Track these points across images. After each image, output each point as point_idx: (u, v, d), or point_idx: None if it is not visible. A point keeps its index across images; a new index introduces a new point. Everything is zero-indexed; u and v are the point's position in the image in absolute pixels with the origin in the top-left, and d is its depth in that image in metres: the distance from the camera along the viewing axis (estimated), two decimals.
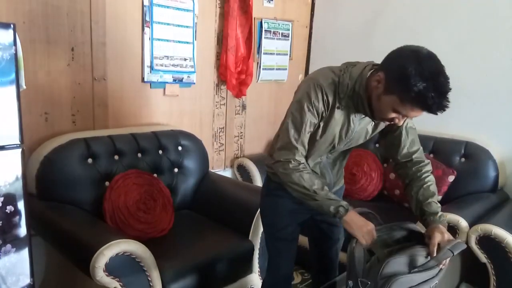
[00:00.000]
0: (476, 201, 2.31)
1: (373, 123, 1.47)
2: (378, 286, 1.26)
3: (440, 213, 1.41)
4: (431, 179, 1.48)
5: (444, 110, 1.19)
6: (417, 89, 1.15)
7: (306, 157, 1.48)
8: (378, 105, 1.29)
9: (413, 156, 1.49)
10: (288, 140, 1.39)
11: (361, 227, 1.32)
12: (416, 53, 1.19)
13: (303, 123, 1.37)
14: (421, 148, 1.51)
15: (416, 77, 1.15)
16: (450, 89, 1.18)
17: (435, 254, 1.29)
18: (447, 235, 1.33)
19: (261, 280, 2.15)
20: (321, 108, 1.36)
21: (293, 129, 1.38)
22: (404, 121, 1.39)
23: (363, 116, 1.41)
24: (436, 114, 1.20)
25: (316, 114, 1.37)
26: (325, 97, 1.35)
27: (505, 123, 2.52)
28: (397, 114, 1.27)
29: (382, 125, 1.49)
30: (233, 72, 2.78)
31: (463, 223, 2.01)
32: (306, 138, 1.39)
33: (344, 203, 1.36)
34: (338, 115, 1.39)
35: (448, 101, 1.18)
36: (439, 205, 1.44)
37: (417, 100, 1.18)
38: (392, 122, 1.33)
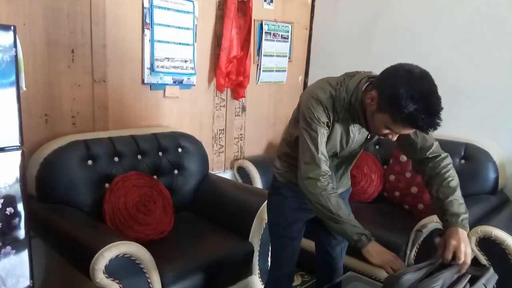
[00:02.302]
0: (476, 203, 2.31)
1: None
2: None
3: (463, 215, 1.36)
4: (451, 174, 1.44)
5: (436, 129, 1.21)
6: (407, 111, 1.17)
7: None
8: (372, 121, 1.33)
9: (428, 152, 1.47)
10: (311, 154, 1.39)
11: (382, 256, 1.32)
12: (409, 72, 1.20)
13: (317, 135, 1.38)
14: (436, 142, 1.49)
15: (407, 99, 1.16)
16: (442, 108, 1.19)
17: (448, 258, 1.28)
18: (464, 245, 1.29)
19: (261, 282, 2.16)
20: (325, 120, 1.40)
21: (311, 143, 1.39)
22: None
23: None
24: (427, 133, 1.23)
25: (323, 125, 1.40)
26: (326, 111, 1.39)
27: (505, 125, 2.52)
28: (390, 131, 1.30)
29: None
30: (222, 71, 2.76)
31: None
32: (323, 148, 1.40)
33: (367, 232, 1.35)
34: (338, 128, 1.43)
35: (440, 120, 1.19)
36: (461, 202, 1.39)
37: (408, 121, 1.20)
38: (386, 137, 1.35)
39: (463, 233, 1.32)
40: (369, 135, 1.50)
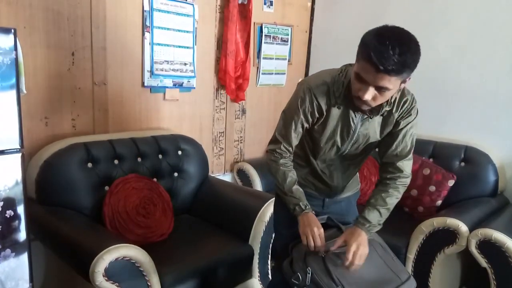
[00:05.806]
0: (476, 206, 2.31)
1: (380, 124, 1.46)
2: (305, 271, 1.41)
3: (372, 224, 1.45)
4: (395, 193, 1.48)
5: (386, 66, 1.16)
6: (364, 40, 1.22)
7: (315, 157, 1.55)
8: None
9: (398, 164, 1.48)
10: (275, 135, 1.53)
11: (305, 226, 1.43)
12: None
13: (291, 122, 1.46)
14: (410, 161, 1.50)
15: (370, 35, 1.21)
16: (401, 47, 1.17)
17: (349, 260, 1.39)
18: (356, 246, 1.39)
19: (261, 285, 2.16)
20: (309, 108, 1.42)
21: (281, 126, 1.51)
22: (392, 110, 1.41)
23: (366, 116, 1.42)
24: (379, 68, 1.17)
25: (304, 114, 1.43)
26: (314, 99, 1.41)
27: (504, 128, 2.52)
28: (360, 84, 1.26)
29: (390, 127, 1.46)
30: (232, 76, 2.79)
31: (463, 227, 2.00)
32: (292, 136, 1.48)
33: (303, 204, 1.48)
34: (335, 114, 1.42)
35: (397, 56, 1.15)
36: (381, 217, 1.47)
37: (362, 49, 1.22)
38: (361, 102, 1.30)
39: (363, 235, 1.43)
40: (378, 131, 1.47)
